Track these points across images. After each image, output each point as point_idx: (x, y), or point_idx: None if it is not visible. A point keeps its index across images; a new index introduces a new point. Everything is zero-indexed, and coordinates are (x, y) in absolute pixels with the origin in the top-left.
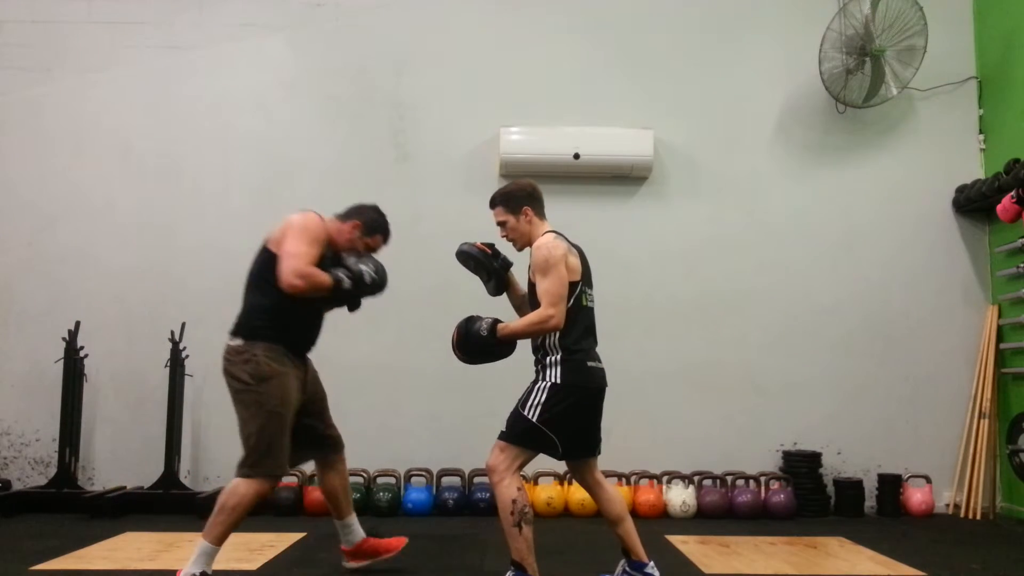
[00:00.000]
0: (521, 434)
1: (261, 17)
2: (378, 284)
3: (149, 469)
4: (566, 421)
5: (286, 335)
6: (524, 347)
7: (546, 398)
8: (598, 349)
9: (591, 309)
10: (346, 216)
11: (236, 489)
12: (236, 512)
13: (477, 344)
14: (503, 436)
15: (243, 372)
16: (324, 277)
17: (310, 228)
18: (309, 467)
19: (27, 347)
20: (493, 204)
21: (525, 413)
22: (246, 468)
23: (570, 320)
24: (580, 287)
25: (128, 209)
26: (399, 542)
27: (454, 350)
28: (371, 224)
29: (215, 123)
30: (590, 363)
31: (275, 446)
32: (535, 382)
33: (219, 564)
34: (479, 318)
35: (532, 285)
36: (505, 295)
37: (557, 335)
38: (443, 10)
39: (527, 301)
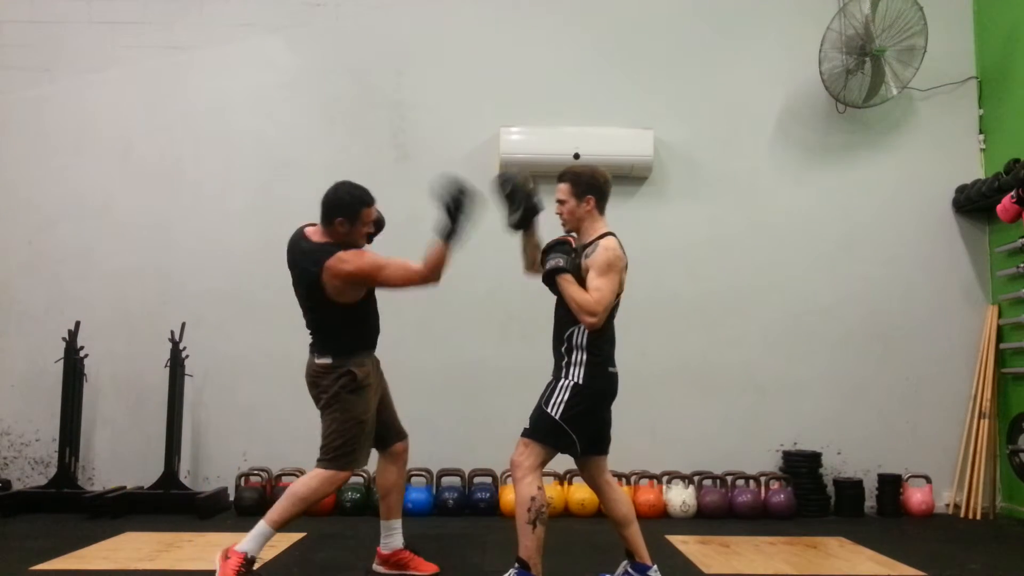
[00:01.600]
0: (546, 431)
1: (261, 17)
2: (465, 194)
3: (149, 469)
4: (585, 421)
5: (364, 343)
6: (526, 346)
7: (569, 397)
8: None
9: (616, 309)
10: (326, 220)
11: (310, 481)
12: (305, 502)
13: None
14: (527, 433)
15: (335, 386)
16: (438, 251)
17: (372, 255)
18: (309, 466)
19: (27, 347)
20: (561, 179)
21: (549, 411)
22: (325, 461)
23: (604, 325)
24: (619, 299)
25: (128, 209)
26: (431, 568)
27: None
28: (349, 207)
29: (215, 123)
30: (611, 369)
31: (357, 448)
32: (557, 379)
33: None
34: (555, 256)
35: (583, 272)
36: (521, 234)
37: (587, 336)
38: (443, 10)
39: (538, 248)
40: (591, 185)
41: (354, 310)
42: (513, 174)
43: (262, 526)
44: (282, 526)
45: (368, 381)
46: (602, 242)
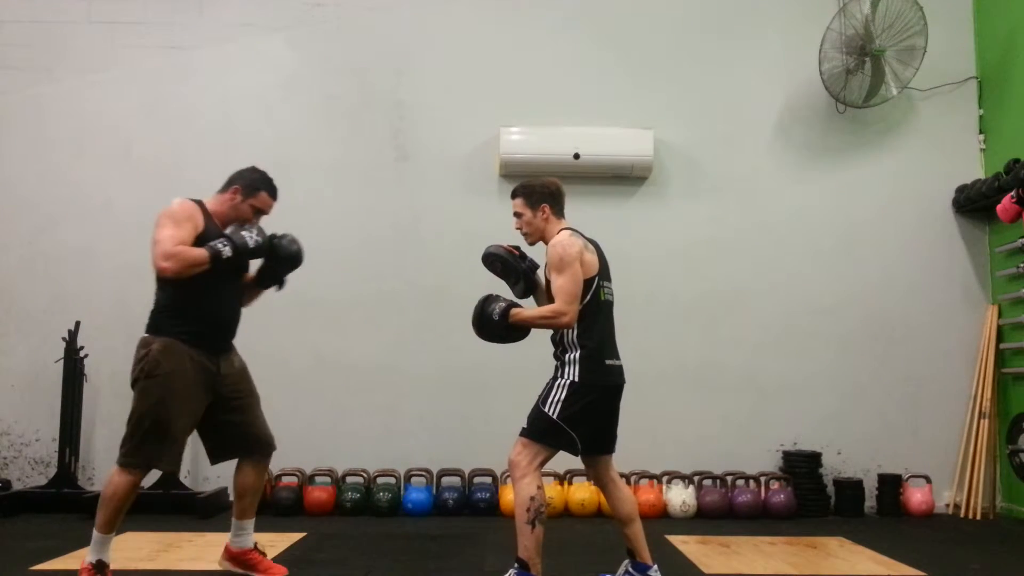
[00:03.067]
0: (543, 431)
1: (261, 17)
2: (263, 247)
3: None
4: (585, 419)
5: (187, 328)
6: (526, 346)
7: (566, 395)
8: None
9: (610, 303)
10: (224, 186)
11: (111, 479)
12: (114, 500)
13: (488, 325)
14: (525, 432)
15: (136, 367)
16: (196, 252)
17: (174, 211)
18: (309, 466)
19: (27, 347)
20: (514, 195)
21: (546, 410)
22: (121, 457)
23: (589, 316)
24: (597, 282)
25: (128, 209)
26: (280, 571)
27: (472, 326)
28: (250, 184)
29: (215, 123)
30: (608, 361)
31: (149, 441)
32: (554, 379)
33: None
34: (496, 299)
35: (548, 282)
36: (532, 297)
37: (575, 332)
38: (443, 10)
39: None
40: (543, 194)
41: (186, 294)
42: (495, 250)
43: (95, 534)
44: (111, 527)
45: (172, 369)
46: (551, 242)
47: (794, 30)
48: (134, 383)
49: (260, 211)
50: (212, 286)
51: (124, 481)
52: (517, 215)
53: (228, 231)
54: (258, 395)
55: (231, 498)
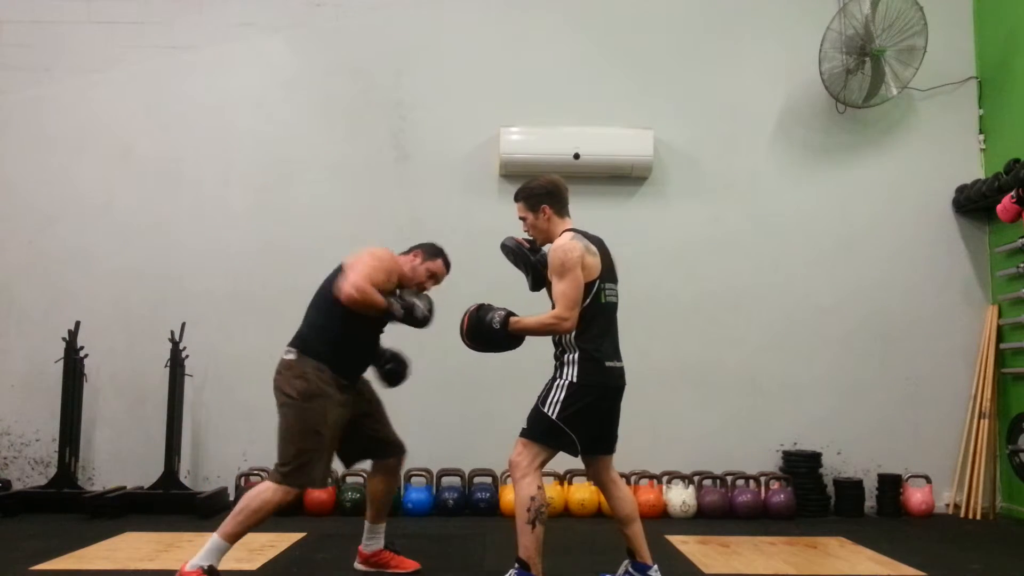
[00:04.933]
0: (542, 432)
1: (261, 17)
2: (426, 319)
3: (149, 469)
4: (584, 420)
5: (336, 358)
6: (526, 346)
7: (565, 396)
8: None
9: (612, 305)
10: (409, 250)
11: (262, 493)
12: (258, 514)
13: (486, 335)
14: (524, 433)
15: (291, 387)
16: (379, 298)
17: (383, 256)
18: None
19: (27, 347)
20: (516, 199)
21: (545, 411)
22: (278, 475)
23: (588, 318)
24: (598, 285)
25: (128, 209)
26: (412, 565)
27: (462, 337)
28: (431, 250)
29: (215, 123)
30: (608, 363)
31: (311, 463)
32: (554, 379)
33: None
34: (491, 308)
35: (549, 283)
36: (545, 290)
37: (575, 334)
38: (443, 10)
39: None
40: (540, 195)
41: (346, 326)
42: (508, 242)
43: (216, 540)
44: (237, 538)
45: (327, 392)
46: (552, 246)
47: (794, 30)
48: (286, 402)
49: (433, 277)
50: (370, 327)
51: (279, 499)
52: (522, 219)
53: (404, 293)
54: (382, 404)
55: (231, 498)
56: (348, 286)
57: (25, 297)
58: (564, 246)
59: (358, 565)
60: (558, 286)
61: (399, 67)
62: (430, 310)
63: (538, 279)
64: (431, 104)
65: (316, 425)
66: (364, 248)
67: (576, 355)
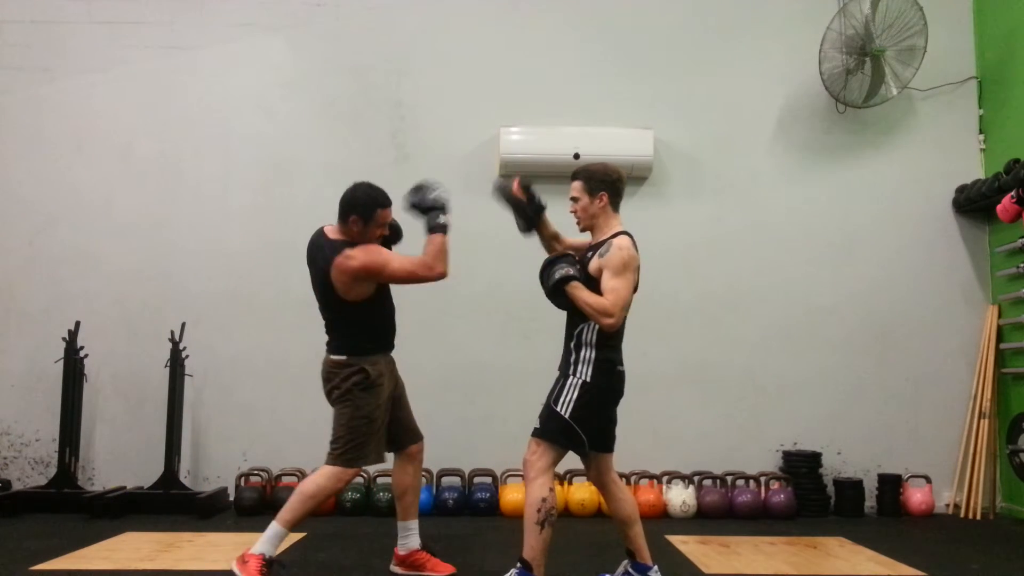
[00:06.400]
0: (557, 431)
1: (261, 17)
2: (441, 201)
3: (149, 469)
4: (592, 419)
5: (381, 341)
6: (526, 346)
7: (578, 395)
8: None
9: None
10: (342, 218)
11: (318, 478)
12: (315, 499)
13: (546, 281)
14: (538, 433)
15: (347, 383)
16: (438, 242)
17: (366, 248)
18: (309, 466)
19: (27, 347)
20: (574, 177)
21: (559, 410)
22: (333, 456)
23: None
24: (631, 296)
25: (128, 209)
26: (448, 569)
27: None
28: (364, 207)
29: (215, 123)
30: (620, 367)
31: (365, 444)
32: (565, 377)
33: (219, 564)
34: (561, 265)
35: (586, 267)
36: (540, 238)
37: (597, 334)
38: (443, 10)
39: (558, 238)
40: (604, 181)
41: (367, 308)
42: (501, 182)
43: (275, 527)
44: (294, 525)
45: (380, 380)
46: (615, 241)
47: (794, 30)
48: (342, 397)
49: (385, 226)
50: (386, 296)
51: (337, 478)
52: (574, 199)
53: (438, 197)
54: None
55: (231, 499)
56: (429, 271)
57: (25, 297)
58: (629, 248)
59: (394, 567)
60: (611, 282)
61: (399, 67)
62: (435, 190)
63: (530, 222)
64: (431, 104)
65: (371, 411)
66: (364, 255)
67: (593, 354)
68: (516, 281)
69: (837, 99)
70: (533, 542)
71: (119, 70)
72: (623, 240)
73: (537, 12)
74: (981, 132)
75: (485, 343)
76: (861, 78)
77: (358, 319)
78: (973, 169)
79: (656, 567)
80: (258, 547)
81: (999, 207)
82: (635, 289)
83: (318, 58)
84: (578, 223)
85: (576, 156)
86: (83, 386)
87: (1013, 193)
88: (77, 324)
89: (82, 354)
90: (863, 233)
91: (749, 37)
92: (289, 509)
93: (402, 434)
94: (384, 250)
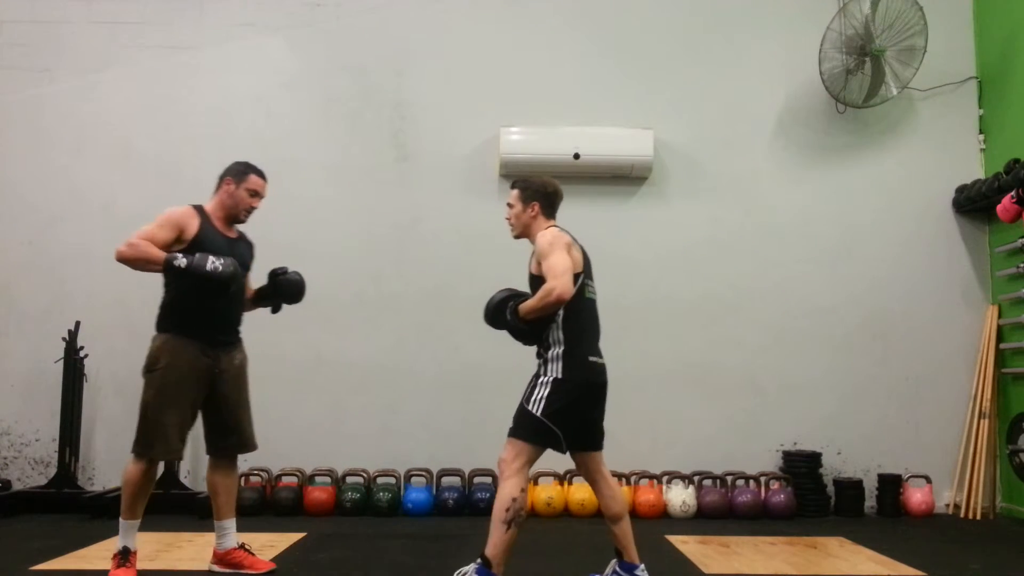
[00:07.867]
0: (529, 429)
1: (261, 17)
2: (221, 274)
3: None
4: (568, 416)
5: (184, 322)
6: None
7: (549, 392)
8: (601, 345)
9: (594, 302)
10: (217, 185)
11: (126, 468)
12: (126, 488)
13: (505, 327)
14: (512, 432)
15: (146, 360)
16: (154, 251)
17: (164, 214)
18: (309, 466)
19: (27, 347)
20: (512, 186)
21: (530, 408)
22: (133, 447)
23: (572, 313)
24: (582, 279)
25: (128, 209)
26: (267, 566)
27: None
28: (237, 171)
29: (215, 123)
30: (591, 358)
31: (154, 430)
32: (537, 376)
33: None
34: (510, 299)
35: (534, 277)
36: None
37: (560, 329)
38: (443, 10)
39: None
40: (538, 192)
41: (185, 296)
42: (488, 305)
43: (120, 521)
44: (130, 513)
45: (158, 365)
46: (539, 234)
47: (794, 30)
48: (142, 375)
49: (256, 193)
50: (205, 293)
51: (133, 469)
52: (509, 205)
53: (197, 255)
54: (247, 394)
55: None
56: (121, 244)
57: (25, 297)
58: (551, 232)
59: (212, 565)
60: (546, 263)
61: (399, 67)
62: (224, 266)
63: (527, 337)
64: (431, 104)
65: (152, 396)
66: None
67: (560, 350)
68: (516, 281)
69: (837, 99)
70: (497, 540)
71: (119, 70)
72: (544, 231)
73: (537, 12)
74: (981, 132)
75: (485, 344)
76: (861, 78)
77: (169, 291)
78: (973, 169)
79: (643, 566)
80: (119, 543)
81: (999, 207)
82: (586, 266)
83: (318, 58)
84: (511, 230)
85: (576, 156)
86: (83, 386)
87: (1013, 193)
88: (77, 324)
89: (82, 354)
90: (863, 233)
91: (749, 37)
92: (122, 501)
93: (221, 437)
94: (162, 223)
